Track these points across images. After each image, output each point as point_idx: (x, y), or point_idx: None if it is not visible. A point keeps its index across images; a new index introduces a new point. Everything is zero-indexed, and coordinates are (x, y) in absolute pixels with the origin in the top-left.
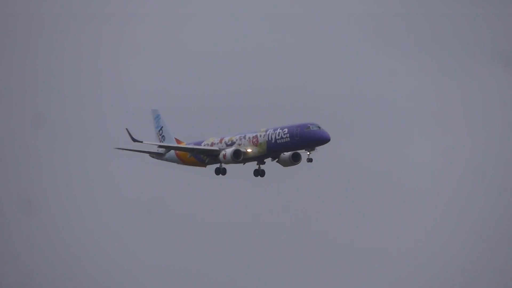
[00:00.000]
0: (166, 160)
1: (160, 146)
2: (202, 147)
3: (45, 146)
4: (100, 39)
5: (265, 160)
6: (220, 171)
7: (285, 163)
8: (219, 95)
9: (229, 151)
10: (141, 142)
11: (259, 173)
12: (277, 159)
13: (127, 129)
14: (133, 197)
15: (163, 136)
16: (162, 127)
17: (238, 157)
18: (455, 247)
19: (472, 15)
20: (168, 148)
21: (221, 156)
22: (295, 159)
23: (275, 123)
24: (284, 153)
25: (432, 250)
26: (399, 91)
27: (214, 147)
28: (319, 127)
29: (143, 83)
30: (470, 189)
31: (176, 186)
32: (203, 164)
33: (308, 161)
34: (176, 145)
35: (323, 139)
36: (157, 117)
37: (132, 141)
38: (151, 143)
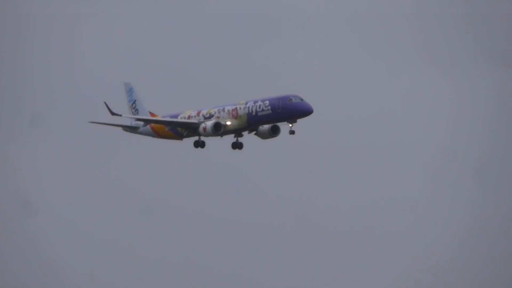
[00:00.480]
0: (141, 133)
1: (140, 120)
2: (181, 120)
3: (15, 122)
4: (72, 11)
5: (243, 133)
6: (199, 144)
7: (264, 136)
8: (194, 68)
9: (209, 123)
10: (120, 115)
11: (237, 146)
12: (255, 132)
13: (105, 102)
14: (111, 172)
15: (137, 109)
16: (135, 100)
17: (219, 129)
18: (452, 247)
19: (472, 15)
20: (148, 122)
21: (200, 129)
22: (274, 131)
23: (252, 95)
24: (263, 125)
25: (428, 250)
26: (398, 91)
27: (193, 120)
28: (302, 99)
29: (115, 56)
30: (469, 190)
31: (155, 159)
32: (179, 137)
33: (290, 134)
34: (154, 118)
35: (306, 112)
36: (130, 91)
37: (110, 115)
38: (131, 116)
